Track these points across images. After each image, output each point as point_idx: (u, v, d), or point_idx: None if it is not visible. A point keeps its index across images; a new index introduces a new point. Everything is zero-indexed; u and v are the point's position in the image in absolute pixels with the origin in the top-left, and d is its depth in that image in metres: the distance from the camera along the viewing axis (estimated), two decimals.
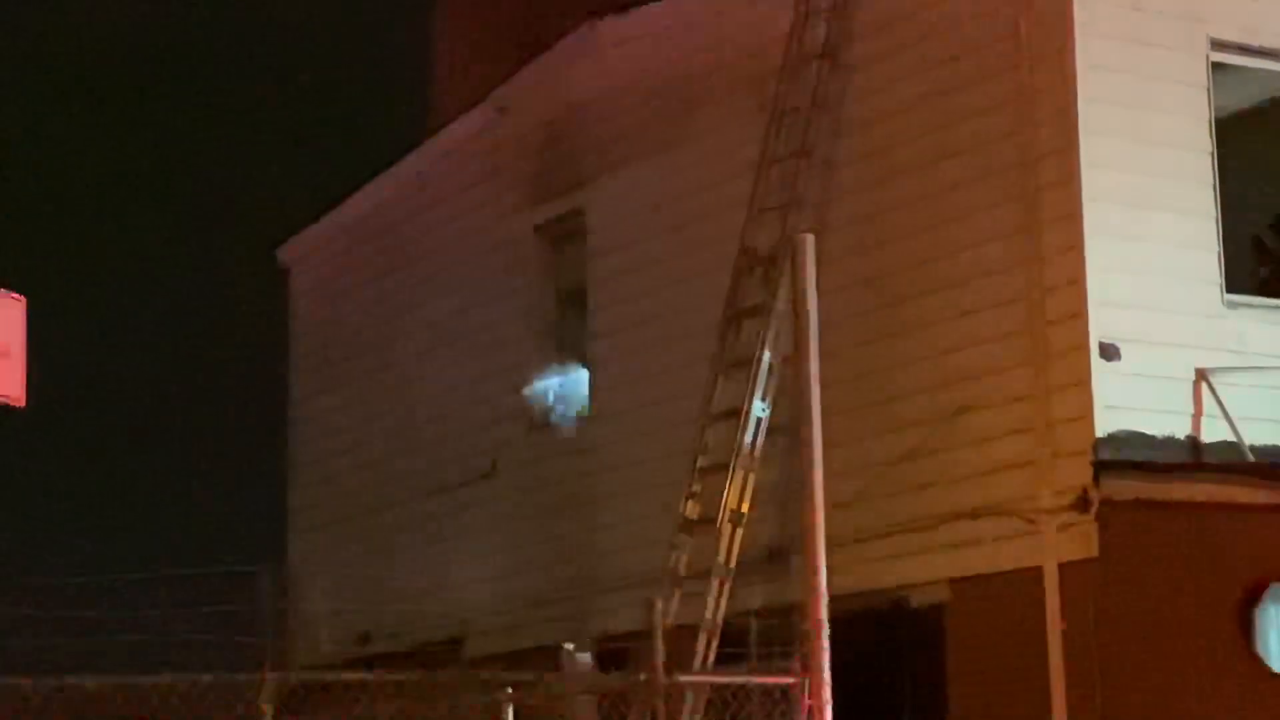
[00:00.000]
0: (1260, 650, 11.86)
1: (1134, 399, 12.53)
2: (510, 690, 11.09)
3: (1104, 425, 12.41)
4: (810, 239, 11.12)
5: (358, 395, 19.37)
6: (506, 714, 10.92)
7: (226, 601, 11.38)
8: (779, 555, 12.99)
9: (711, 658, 12.70)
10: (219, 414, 27.14)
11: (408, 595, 17.36)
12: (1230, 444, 12.61)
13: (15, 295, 8.83)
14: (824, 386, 10.90)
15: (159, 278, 28.50)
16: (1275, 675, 11.89)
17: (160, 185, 29.24)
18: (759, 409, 13.37)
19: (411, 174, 18.87)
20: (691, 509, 13.56)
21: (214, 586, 11.83)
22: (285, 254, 20.73)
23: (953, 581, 13.18)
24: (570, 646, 15.42)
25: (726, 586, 13.02)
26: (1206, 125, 13.14)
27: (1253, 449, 12.61)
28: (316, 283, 20.43)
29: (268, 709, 9.49)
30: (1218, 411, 12.68)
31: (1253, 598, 11.89)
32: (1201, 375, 12.74)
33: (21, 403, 8.65)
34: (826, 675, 10.35)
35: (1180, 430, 12.67)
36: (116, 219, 29.59)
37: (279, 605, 14.52)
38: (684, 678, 11.48)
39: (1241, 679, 11.73)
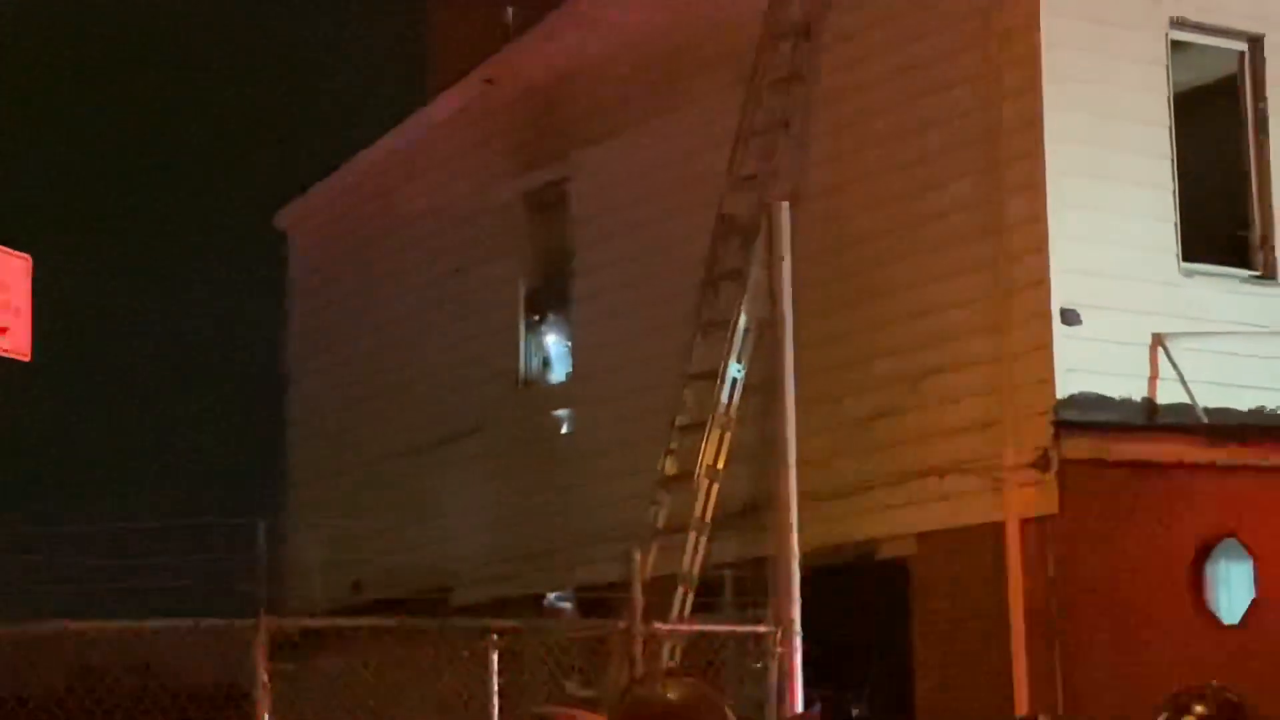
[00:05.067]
0: (1210, 603, 11.88)
1: (1093, 363, 12.53)
2: (495, 637, 11.09)
3: (1064, 387, 12.42)
4: (785, 207, 11.14)
5: (352, 355, 19.34)
6: (491, 659, 10.93)
7: (225, 552, 11.37)
8: (753, 510, 12.98)
9: (688, 608, 12.70)
10: (220, 373, 27.10)
11: (398, 547, 17.35)
12: (1184, 406, 12.61)
13: (21, 254, 8.80)
14: (797, 349, 10.93)
15: (163, 242, 28.42)
16: (1225, 627, 11.92)
17: (165, 154, 29.13)
18: (735, 370, 13.34)
19: (404, 142, 18.80)
20: (670, 465, 13.53)
21: (213, 538, 11.81)
22: (284, 219, 20.67)
23: (919, 536, 13.19)
24: (553, 596, 15.47)
25: (703, 540, 13.00)
26: (1165, 100, 13.11)
27: (1205, 411, 12.61)
28: (313, 247, 20.38)
29: (264, 653, 9.49)
30: (1173, 375, 12.67)
31: (1204, 553, 11.89)
32: (1158, 340, 12.74)
33: (27, 357, 8.63)
34: (797, 625, 10.40)
35: (1137, 393, 12.67)
36: (121, 185, 29.49)
37: (274, 556, 14.51)
38: (661, 626, 11.51)
39: (1193, 631, 11.74)
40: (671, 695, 4.89)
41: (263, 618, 9.59)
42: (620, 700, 4.91)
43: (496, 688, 10.53)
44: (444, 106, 18.26)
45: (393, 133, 18.96)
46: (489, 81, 17.38)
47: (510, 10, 17.95)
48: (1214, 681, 5.16)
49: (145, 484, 25.47)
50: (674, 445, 13.58)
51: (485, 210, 17.51)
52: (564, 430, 16.37)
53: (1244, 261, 13.42)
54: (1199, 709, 5.02)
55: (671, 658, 11.95)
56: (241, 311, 24.98)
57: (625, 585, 11.09)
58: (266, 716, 9.57)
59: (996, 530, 12.58)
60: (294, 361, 20.40)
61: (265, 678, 9.56)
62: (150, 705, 10.22)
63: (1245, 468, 11.74)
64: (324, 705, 11.17)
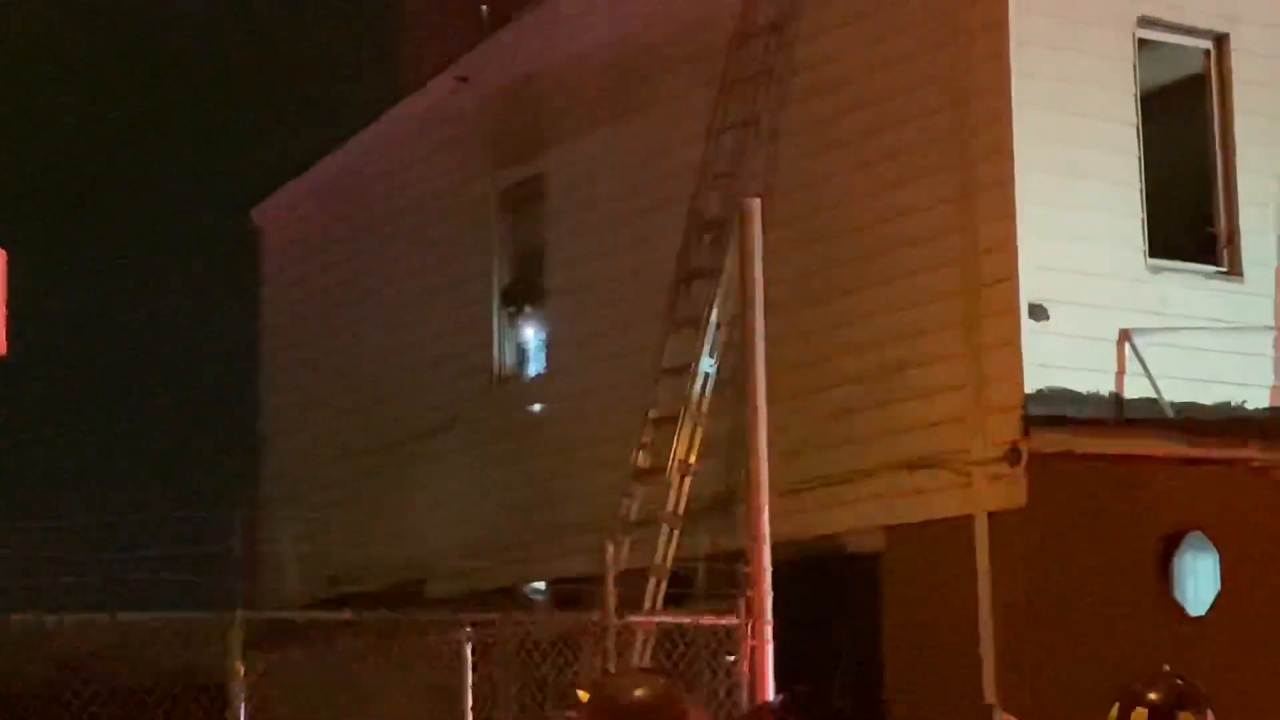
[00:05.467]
0: (1177, 595, 11.95)
1: (1061, 358, 12.58)
2: (469, 629, 11.13)
3: (1033, 382, 12.46)
4: (757, 204, 11.16)
5: (327, 350, 19.34)
6: (465, 651, 10.96)
7: (201, 546, 11.39)
8: (725, 503, 13.04)
9: (660, 600, 12.75)
10: (195, 368, 27.05)
11: (374, 540, 17.37)
12: (1151, 401, 12.68)
13: None
14: (768, 344, 10.96)
15: (138, 237, 28.36)
16: (1191, 619, 12.00)
17: (139, 150, 29.07)
18: (707, 365, 13.40)
19: (379, 139, 18.80)
20: (643, 459, 13.58)
21: (191, 532, 11.83)
22: (259, 215, 20.67)
23: (888, 529, 13.24)
24: (527, 589, 15.51)
25: (675, 533, 13.05)
26: (1133, 98, 13.17)
27: (1172, 405, 12.67)
28: (288, 242, 20.38)
29: (239, 647, 9.53)
30: (1140, 370, 12.73)
31: (1171, 546, 11.94)
32: (1125, 336, 12.80)
33: (3, 352, 8.64)
34: (768, 617, 10.43)
35: (1105, 387, 12.72)
36: (96, 181, 29.42)
37: (251, 550, 14.52)
38: (634, 618, 11.55)
39: (1160, 622, 11.81)
40: (639, 692, 5.02)
41: (239, 611, 9.63)
42: (590, 695, 4.98)
43: (470, 679, 10.56)
44: (417, 103, 18.28)
45: (367, 129, 18.96)
46: (462, 79, 17.41)
47: (484, 8, 17.97)
48: (1166, 668, 5.25)
49: (122, 479, 25.44)
50: (647, 439, 13.64)
51: (460, 206, 17.53)
52: (538, 424, 16.40)
53: (1210, 258, 13.48)
54: (1152, 696, 5.12)
55: (644, 649, 12.01)
56: (216, 306, 24.96)
57: (598, 578, 11.13)
58: (242, 709, 9.60)
59: (965, 524, 12.63)
60: (269, 356, 20.39)
61: (241, 671, 9.59)
62: (126, 697, 10.24)
63: (1211, 461, 11.81)
64: (299, 698, 11.20)
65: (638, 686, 5.05)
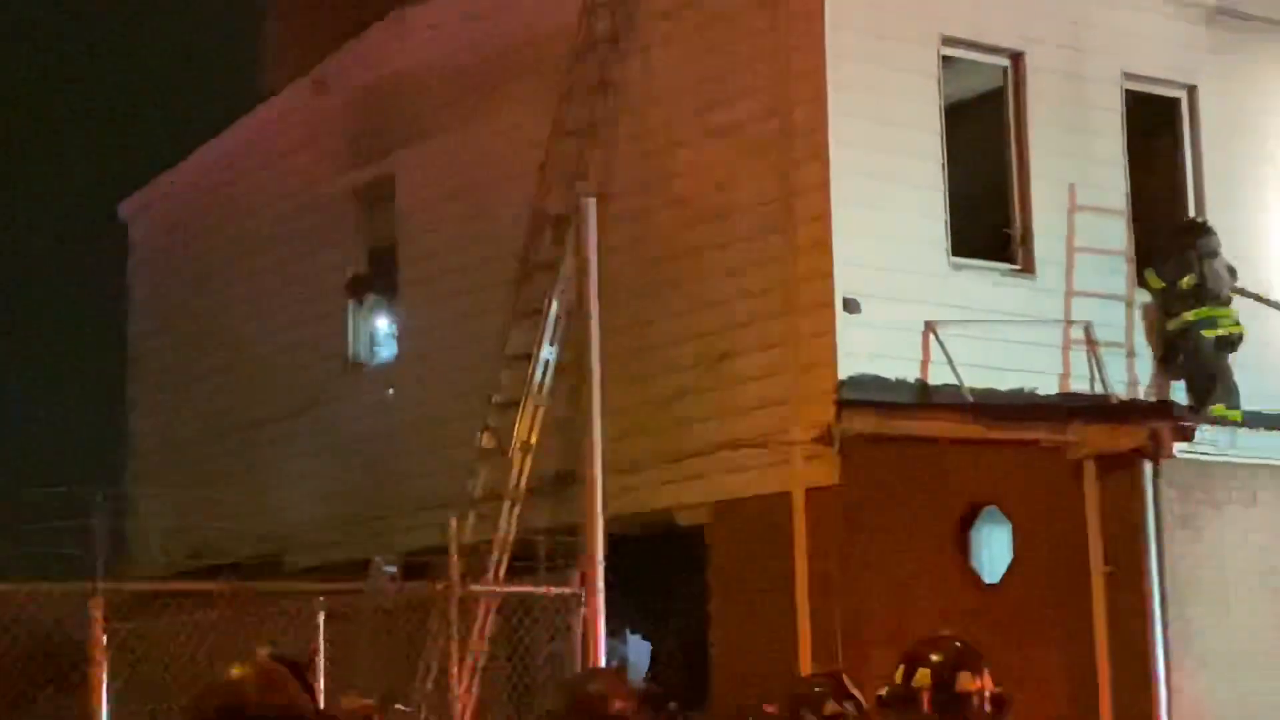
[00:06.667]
0: (974, 564, 12.09)
1: (872, 347, 12.70)
2: (322, 599, 11.01)
3: (846, 369, 12.58)
4: (593, 203, 11.17)
5: (192, 336, 19.04)
6: (319, 618, 10.84)
7: (67, 519, 11.15)
8: (564, 481, 13.02)
9: (503, 570, 12.71)
10: (65, 353, 26.49)
11: (235, 514, 17.14)
12: (952, 387, 12.82)
13: None
14: (605, 333, 10.97)
15: (6, 224, 27.67)
16: (987, 586, 12.14)
17: (7, 146, 28.36)
18: (547, 352, 13.39)
19: (241, 139, 18.55)
20: (487, 440, 13.54)
21: (57, 507, 11.57)
22: (125, 209, 20.32)
23: (715, 505, 13.30)
24: (378, 560, 15.36)
25: (517, 508, 13.03)
26: (938, 110, 13.32)
27: (971, 391, 12.83)
28: (154, 234, 20.04)
29: (99, 614, 9.34)
30: (943, 359, 12.88)
31: (969, 519, 12.04)
32: (930, 327, 12.94)
33: None
34: (600, 586, 10.46)
35: (911, 375, 12.86)
36: None
37: (117, 524, 14.25)
38: (477, 588, 11.53)
39: (959, 589, 11.92)
40: (591, 686, 5.65)
41: (98, 581, 9.44)
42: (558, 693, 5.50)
43: (323, 646, 10.45)
44: (278, 105, 18.06)
45: (231, 128, 18.70)
46: (319, 83, 17.21)
47: (340, 17, 17.77)
48: (946, 632, 5.31)
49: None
50: (491, 422, 13.59)
51: (317, 203, 17.34)
52: (390, 407, 16.27)
53: (1006, 257, 13.66)
54: (934, 657, 5.17)
55: (487, 616, 11.96)
56: (84, 294, 24.45)
57: (445, 550, 11.07)
58: (104, 675, 9.42)
59: (784, 499, 12.73)
60: (136, 342, 20.04)
61: (103, 639, 9.41)
62: None
63: (1006, 442, 11.93)
64: (158, 664, 11.01)
65: (592, 681, 5.72)
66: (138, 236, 20.22)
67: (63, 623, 10.21)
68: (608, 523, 10.89)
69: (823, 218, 12.73)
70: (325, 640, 10.60)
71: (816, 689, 6.72)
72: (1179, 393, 13.69)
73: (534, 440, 13.16)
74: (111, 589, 9.54)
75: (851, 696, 6.59)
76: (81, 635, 9.62)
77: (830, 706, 6.51)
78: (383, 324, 17.04)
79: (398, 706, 10.62)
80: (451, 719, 10.83)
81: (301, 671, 4.08)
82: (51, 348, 26.68)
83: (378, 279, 16.87)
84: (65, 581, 9.64)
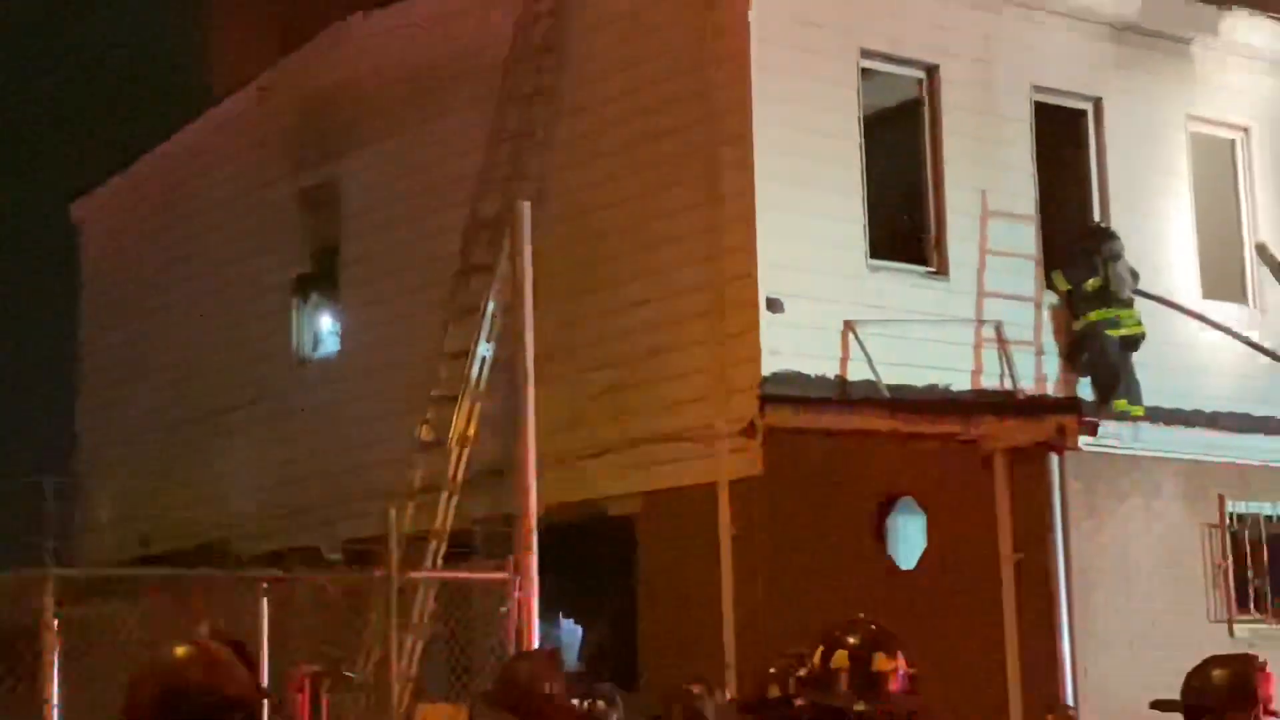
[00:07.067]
0: (890, 551, 12.22)
1: (794, 345, 12.84)
2: (266, 585, 11.08)
3: (769, 366, 12.72)
4: (527, 206, 11.27)
5: (142, 333, 19.04)
6: (262, 604, 10.91)
7: (18, 508, 11.20)
8: (500, 472, 13.13)
9: (440, 558, 12.81)
10: (17, 350, 26.32)
11: (184, 504, 17.17)
12: (870, 383, 12.98)
13: None
14: (539, 331, 11.08)
15: None
16: (902, 572, 12.30)
17: None
18: (484, 349, 13.48)
19: (190, 143, 18.56)
20: (426, 433, 13.62)
21: (6, 498, 11.60)
22: (77, 210, 20.28)
23: (644, 495, 13.43)
24: (322, 548, 15.45)
25: (455, 499, 13.13)
26: (856, 119, 13.49)
27: (888, 387, 13.00)
28: (106, 234, 20.01)
29: (51, 601, 9.41)
30: (861, 356, 13.03)
31: (886, 509, 12.11)
32: (849, 326, 13.07)
33: None
34: (534, 573, 10.56)
35: (831, 371, 13.01)
36: None
37: (67, 513, 14.27)
38: (416, 574, 11.61)
39: (876, 575, 12.04)
40: (524, 667, 6.08)
41: (50, 568, 9.50)
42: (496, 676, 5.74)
43: (266, 632, 10.53)
44: (225, 110, 18.07)
45: (181, 132, 18.70)
46: (263, 89, 17.26)
47: (285, 25, 17.82)
48: (861, 615, 5.36)
49: None
50: (430, 415, 13.68)
51: (263, 205, 17.39)
52: (333, 401, 16.35)
53: (922, 259, 13.83)
54: (851, 640, 5.20)
55: (425, 602, 12.07)
56: (36, 293, 24.31)
57: (385, 538, 11.15)
58: (55, 659, 9.49)
59: (710, 490, 12.86)
60: (88, 341, 20.01)
61: (55, 625, 9.47)
62: None
63: (920, 435, 12.05)
64: (108, 647, 11.06)
65: (525, 662, 6.02)
66: (89, 237, 20.19)
67: (13, 611, 10.25)
68: (541, 512, 10.99)
69: (747, 221, 12.88)
70: (269, 624, 10.68)
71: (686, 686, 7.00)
72: (1085, 389, 13.93)
73: (471, 433, 13.26)
74: (62, 575, 9.60)
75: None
76: (32, 622, 9.68)
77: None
78: (326, 322, 17.12)
79: (346, 673, 10.75)
80: (391, 699, 10.94)
81: (243, 649, 4.02)
82: (2, 345, 26.53)
83: (322, 279, 16.93)
84: (17, 570, 9.69)
